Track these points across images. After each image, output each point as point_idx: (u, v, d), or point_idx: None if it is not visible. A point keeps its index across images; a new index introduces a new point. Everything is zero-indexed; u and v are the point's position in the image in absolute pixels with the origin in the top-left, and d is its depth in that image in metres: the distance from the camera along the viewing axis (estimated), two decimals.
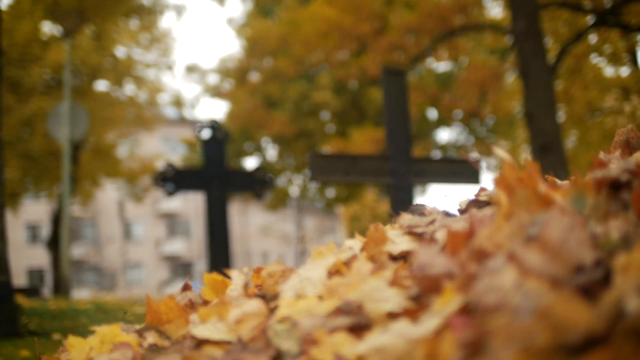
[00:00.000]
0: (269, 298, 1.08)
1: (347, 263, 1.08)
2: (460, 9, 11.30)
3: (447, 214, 1.19)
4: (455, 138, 18.64)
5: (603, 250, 0.70)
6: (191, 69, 18.58)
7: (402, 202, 4.65)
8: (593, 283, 0.65)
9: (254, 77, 17.34)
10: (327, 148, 16.69)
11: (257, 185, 7.14)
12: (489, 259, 0.76)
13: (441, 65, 16.53)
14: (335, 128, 17.62)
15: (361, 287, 0.92)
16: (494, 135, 17.85)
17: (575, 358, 0.57)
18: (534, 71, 7.48)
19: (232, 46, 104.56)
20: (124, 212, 27.57)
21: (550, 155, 7.06)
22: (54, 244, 12.88)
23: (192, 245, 40.90)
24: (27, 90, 11.59)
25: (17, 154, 11.98)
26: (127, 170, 15.10)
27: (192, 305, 1.21)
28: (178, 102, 17.40)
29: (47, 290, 13.56)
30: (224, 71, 17.89)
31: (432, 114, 17.61)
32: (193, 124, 21.67)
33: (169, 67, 15.64)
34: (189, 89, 65.89)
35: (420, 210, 1.25)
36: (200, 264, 38.83)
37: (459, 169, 5.11)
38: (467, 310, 0.73)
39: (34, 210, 30.90)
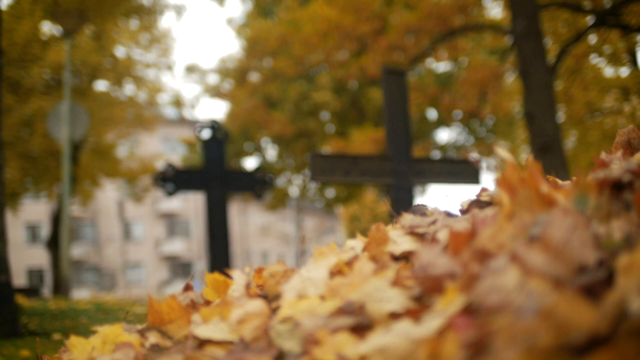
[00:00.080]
0: (270, 298, 1.08)
1: (349, 263, 1.08)
2: (460, 9, 11.30)
3: (448, 214, 1.19)
4: (455, 138, 18.65)
5: (605, 250, 0.70)
6: (191, 69, 18.58)
7: (402, 202, 4.65)
8: (596, 283, 0.65)
9: (254, 77, 17.34)
10: (327, 148, 16.69)
11: (257, 185, 7.15)
12: (491, 259, 0.76)
13: (441, 66, 16.54)
14: (335, 128, 17.63)
15: (363, 287, 0.92)
16: (493, 136, 17.86)
17: (578, 358, 0.57)
18: (533, 71, 7.48)
19: (231, 46, 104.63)
20: (124, 212, 27.56)
21: (550, 155, 7.06)
22: (53, 244, 12.88)
23: (191, 245, 40.90)
24: (27, 90, 11.59)
25: (17, 154, 11.98)
26: (127, 170, 15.11)
27: (193, 306, 1.21)
28: (178, 102, 17.41)
29: (46, 290, 13.57)
30: (223, 71, 17.89)
31: (432, 114, 17.62)
32: (193, 124, 21.70)
33: (169, 67, 15.66)
34: (189, 89, 65.92)
35: (421, 211, 1.25)
36: (200, 264, 38.83)
37: (459, 169, 5.11)
38: (469, 311, 0.73)
39: (34, 210, 30.90)
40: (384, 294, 0.89)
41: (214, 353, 0.93)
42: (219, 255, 6.65)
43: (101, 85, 14.34)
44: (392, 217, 4.38)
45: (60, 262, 10.68)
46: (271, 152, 18.79)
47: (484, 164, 16.84)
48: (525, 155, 12.56)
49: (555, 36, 10.27)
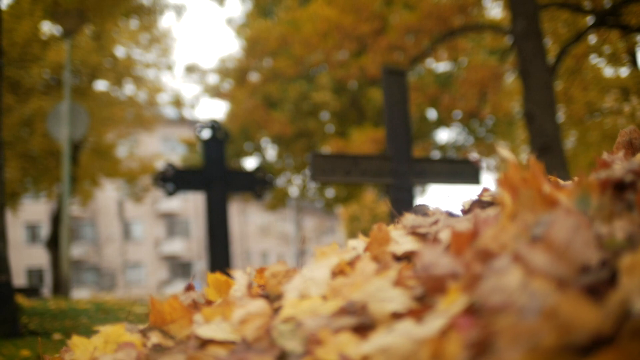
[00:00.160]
0: (272, 298, 1.09)
1: (351, 263, 1.09)
2: (460, 9, 11.31)
3: (450, 215, 1.19)
4: (455, 138, 18.66)
5: (608, 250, 0.70)
6: (191, 69, 18.58)
7: (402, 202, 4.65)
8: (599, 283, 0.66)
9: (254, 77, 17.34)
10: (327, 148, 16.70)
11: (258, 185, 7.14)
12: (494, 259, 0.76)
13: (441, 66, 16.54)
14: (334, 128, 17.63)
15: (365, 287, 0.92)
16: (493, 136, 17.87)
17: (582, 358, 0.57)
18: (533, 71, 7.48)
19: (231, 46, 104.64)
20: (124, 212, 27.56)
21: (549, 155, 7.07)
22: (53, 243, 12.88)
23: (191, 245, 40.90)
24: (26, 90, 11.59)
25: (17, 153, 11.98)
26: (127, 170, 15.11)
27: (195, 306, 1.21)
28: (178, 102, 17.41)
29: (46, 290, 13.57)
30: (223, 71, 17.89)
31: (432, 114, 17.62)
32: (192, 124, 21.70)
33: (169, 67, 15.66)
34: (189, 89, 65.98)
35: (423, 211, 1.25)
36: (200, 264, 38.83)
37: (460, 169, 5.12)
38: (472, 311, 0.73)
39: (34, 210, 30.89)
40: (386, 294, 0.89)
41: (217, 353, 0.93)
42: (219, 255, 6.65)
43: (101, 85, 14.35)
44: (392, 217, 4.38)
45: (60, 262, 10.68)
46: (271, 152, 18.80)
47: (484, 164, 16.84)
48: (525, 155, 12.58)
49: (555, 36, 10.27)
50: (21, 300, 4.82)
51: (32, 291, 8.31)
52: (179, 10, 14.33)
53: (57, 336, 3.55)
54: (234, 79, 17.47)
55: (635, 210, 0.79)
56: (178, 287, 36.37)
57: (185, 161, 21.65)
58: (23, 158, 12.26)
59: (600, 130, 11.32)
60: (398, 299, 0.86)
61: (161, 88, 16.12)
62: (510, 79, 12.85)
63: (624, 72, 10.99)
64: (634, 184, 0.86)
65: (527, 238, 0.77)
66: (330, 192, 18.94)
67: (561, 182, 1.16)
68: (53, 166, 12.40)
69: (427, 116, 17.50)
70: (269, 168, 16.74)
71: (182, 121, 30.59)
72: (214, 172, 6.81)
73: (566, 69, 10.29)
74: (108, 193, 26.90)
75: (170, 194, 6.64)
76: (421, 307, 0.84)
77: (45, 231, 27.95)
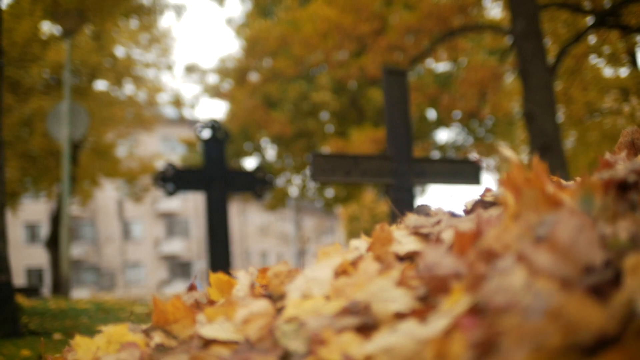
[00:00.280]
0: (275, 298, 1.09)
1: (354, 263, 1.09)
2: (460, 9, 11.31)
3: (452, 215, 1.19)
4: (454, 138, 18.66)
5: (612, 251, 0.70)
6: (190, 69, 18.58)
7: (402, 202, 4.66)
8: (603, 284, 0.66)
9: (254, 77, 17.34)
10: (327, 148, 16.70)
11: (258, 185, 7.14)
12: (497, 259, 0.77)
13: (440, 66, 16.54)
14: (334, 128, 17.63)
15: (368, 287, 0.92)
16: (493, 136, 17.87)
17: (587, 358, 0.57)
18: (533, 71, 7.49)
19: (231, 46, 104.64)
20: (123, 211, 27.55)
21: (549, 155, 7.07)
22: (53, 243, 12.88)
23: (191, 245, 40.90)
24: (26, 90, 11.58)
25: (17, 153, 11.98)
26: (127, 170, 15.11)
27: (198, 305, 1.21)
28: (177, 102, 17.41)
29: (46, 289, 13.56)
30: (223, 71, 17.89)
31: (432, 114, 17.62)
32: (192, 123, 21.71)
33: (169, 67, 15.66)
34: (189, 89, 66.06)
35: (425, 211, 1.25)
36: (199, 264, 38.83)
37: (460, 169, 5.12)
38: (475, 311, 0.73)
39: (33, 209, 30.88)
40: (389, 294, 0.89)
41: (220, 353, 0.93)
42: (219, 255, 6.65)
43: (101, 85, 14.35)
44: (393, 217, 4.38)
45: (59, 262, 10.68)
46: (271, 152, 18.80)
47: (485, 164, 16.84)
48: (525, 155, 12.58)
49: (554, 36, 10.28)
50: (21, 300, 4.82)
51: (31, 291, 8.31)
52: (178, 10, 14.33)
53: (57, 336, 3.55)
54: (234, 79, 17.47)
55: (638, 210, 0.79)
56: (177, 287, 36.38)
57: (185, 161, 21.65)
58: (23, 158, 12.26)
59: (599, 130, 11.32)
60: (401, 299, 0.87)
61: (161, 88, 16.12)
62: (510, 79, 12.85)
63: (624, 72, 11.00)
64: (637, 184, 0.86)
65: (530, 238, 0.77)
66: (329, 192, 18.94)
67: (563, 182, 1.16)
68: (53, 166, 12.40)
69: (426, 116, 17.50)
70: (269, 168, 16.74)
71: (181, 121, 30.62)
72: (214, 172, 6.80)
73: (566, 69, 10.30)
74: (108, 193, 26.90)
75: (171, 193, 6.63)
76: (424, 307, 0.84)
77: (44, 231, 27.94)
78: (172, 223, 41.67)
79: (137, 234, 40.19)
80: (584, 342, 0.57)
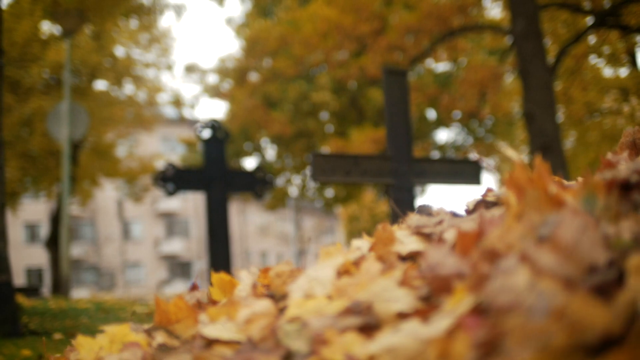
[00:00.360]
0: (277, 298, 1.09)
1: (356, 263, 1.09)
2: (460, 9, 11.31)
3: (454, 215, 1.19)
4: (454, 138, 18.66)
5: (615, 251, 0.71)
6: (190, 69, 18.58)
7: (403, 202, 4.66)
8: (606, 284, 0.66)
9: (254, 77, 17.34)
10: (327, 148, 16.70)
11: (258, 185, 7.14)
12: (500, 259, 0.77)
13: (440, 66, 16.54)
14: (334, 128, 17.63)
15: (371, 287, 0.93)
16: (493, 136, 17.87)
17: (592, 358, 0.57)
18: (533, 71, 7.49)
19: (231, 46, 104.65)
20: (123, 211, 27.56)
21: (549, 155, 7.07)
22: (52, 243, 12.88)
23: (190, 244, 40.90)
24: (26, 90, 11.59)
25: (17, 153, 11.98)
26: (126, 169, 15.11)
27: (200, 305, 1.21)
28: (177, 102, 17.41)
29: (46, 289, 13.56)
30: (223, 71, 17.89)
31: (431, 114, 17.63)
32: (192, 123, 21.69)
33: (169, 67, 15.66)
34: (188, 89, 66.10)
35: (427, 211, 1.25)
36: (199, 264, 38.84)
37: (460, 169, 5.12)
38: (479, 311, 0.73)
39: (33, 209, 30.88)
40: (391, 294, 0.89)
41: (222, 353, 0.93)
42: (220, 255, 6.65)
43: (101, 85, 14.35)
44: (393, 217, 4.37)
45: (59, 262, 10.68)
46: (270, 152, 18.80)
47: (486, 164, 16.83)
48: (525, 155, 12.59)
49: (554, 36, 10.28)
50: (21, 299, 4.82)
51: (31, 291, 8.31)
52: (178, 10, 14.33)
53: (58, 336, 3.55)
54: (234, 79, 17.47)
55: None
56: (177, 287, 36.38)
57: (184, 161, 21.66)
58: (23, 158, 12.26)
59: (599, 130, 11.33)
60: (404, 299, 0.87)
61: (161, 88, 16.12)
62: (510, 79, 12.86)
63: (624, 72, 11.01)
64: (639, 185, 0.86)
65: (534, 238, 0.77)
66: (329, 192, 18.95)
67: (565, 182, 1.16)
68: (53, 166, 12.40)
69: (426, 116, 17.50)
70: (269, 168, 16.74)
71: (181, 121, 30.60)
72: (214, 172, 6.80)
73: (566, 69, 10.30)
74: (107, 193, 26.90)
75: (171, 193, 6.63)
76: (427, 307, 0.84)
77: (44, 231, 27.94)
78: (172, 223, 41.68)
79: (137, 233, 40.19)
80: (589, 342, 0.58)
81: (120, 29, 13.82)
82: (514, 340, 0.60)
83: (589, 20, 9.54)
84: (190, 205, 40.28)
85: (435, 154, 17.84)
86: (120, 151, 16.47)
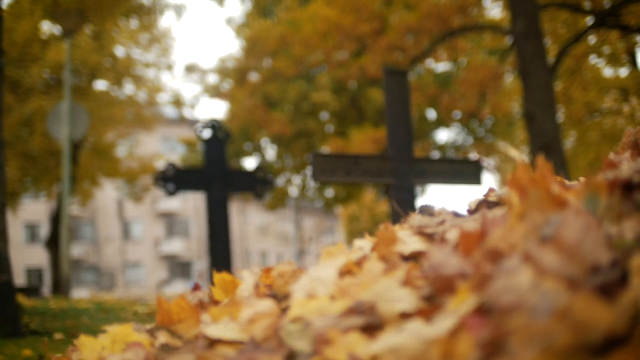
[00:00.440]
0: (280, 298, 1.09)
1: (358, 263, 1.09)
2: (460, 9, 11.31)
3: (456, 215, 1.19)
4: (454, 138, 18.66)
5: (618, 250, 0.71)
6: (190, 69, 18.58)
7: (403, 202, 4.66)
8: (610, 283, 0.66)
9: (254, 77, 17.34)
10: (327, 148, 16.70)
11: (258, 185, 7.14)
12: (503, 259, 0.77)
13: (440, 66, 16.54)
14: (334, 128, 17.63)
15: (373, 287, 0.93)
16: (493, 136, 17.87)
17: (596, 358, 0.57)
18: (533, 71, 7.49)
19: (231, 46, 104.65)
20: (123, 211, 27.56)
21: (549, 155, 7.06)
22: (53, 243, 12.88)
23: (190, 244, 40.90)
24: (26, 90, 11.58)
25: (17, 153, 11.97)
26: (126, 169, 15.11)
27: (202, 305, 1.21)
28: (177, 102, 17.41)
29: (46, 289, 13.56)
30: (223, 71, 17.89)
31: (431, 114, 17.62)
32: (192, 123, 21.70)
33: (169, 67, 15.66)
34: (189, 89, 66.12)
35: (429, 211, 1.25)
36: (199, 264, 38.83)
37: (460, 169, 5.12)
38: (482, 311, 0.73)
39: (33, 209, 30.89)
40: (394, 294, 0.89)
41: (225, 353, 0.93)
42: (220, 255, 6.64)
43: (101, 85, 14.35)
44: (394, 217, 4.37)
45: (59, 262, 10.68)
46: (270, 152, 18.80)
47: (486, 164, 16.83)
48: (525, 155, 12.58)
49: (554, 36, 10.28)
50: (22, 299, 4.82)
51: (32, 291, 8.30)
52: (178, 10, 14.33)
53: (58, 336, 3.56)
54: (234, 78, 17.47)
55: None
56: (177, 287, 36.38)
57: (184, 161, 21.65)
58: (23, 158, 12.25)
59: (599, 130, 11.33)
60: (406, 299, 0.87)
61: (161, 88, 16.12)
62: (510, 79, 12.86)
63: (624, 72, 11.02)
64: None
65: (536, 238, 0.77)
66: (329, 192, 18.94)
67: (567, 182, 1.16)
68: (53, 166, 12.40)
69: (426, 116, 17.50)
70: (269, 168, 16.74)
71: (181, 121, 30.59)
72: (215, 172, 6.80)
73: (566, 69, 10.30)
74: (108, 193, 26.89)
75: (171, 193, 6.63)
76: (430, 307, 0.84)
77: (44, 231, 27.94)
78: (172, 223, 41.68)
79: (137, 233, 40.19)
80: (593, 342, 0.58)
81: (120, 29, 13.82)
82: (518, 340, 0.60)
83: (589, 20, 9.54)
84: (191, 205, 40.27)
85: (436, 154, 17.83)
86: (120, 151, 16.47)
